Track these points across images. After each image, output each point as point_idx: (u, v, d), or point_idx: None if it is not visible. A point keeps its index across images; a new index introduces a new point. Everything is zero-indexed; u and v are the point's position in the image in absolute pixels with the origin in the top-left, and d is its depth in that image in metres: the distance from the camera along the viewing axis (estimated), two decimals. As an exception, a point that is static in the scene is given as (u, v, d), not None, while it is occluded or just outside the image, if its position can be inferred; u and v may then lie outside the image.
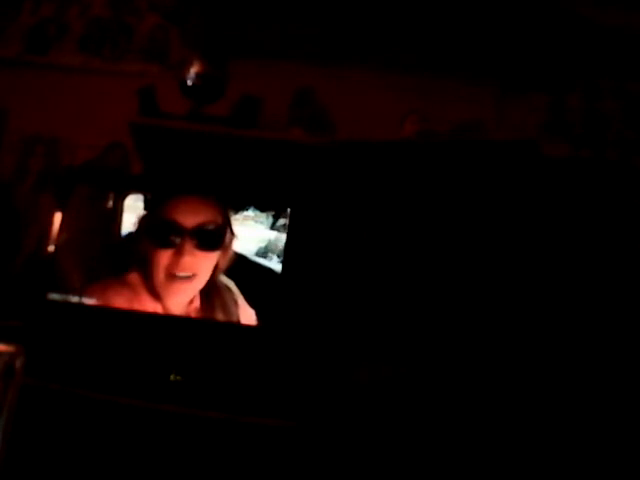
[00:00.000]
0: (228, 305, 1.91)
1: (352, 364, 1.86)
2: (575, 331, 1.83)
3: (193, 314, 1.89)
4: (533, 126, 2.33)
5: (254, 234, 1.95)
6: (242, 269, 1.92)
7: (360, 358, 1.87)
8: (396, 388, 1.79)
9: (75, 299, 1.90)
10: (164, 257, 1.86)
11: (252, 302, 1.90)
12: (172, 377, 1.82)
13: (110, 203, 1.98)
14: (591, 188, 2.00)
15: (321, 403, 1.77)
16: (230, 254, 1.91)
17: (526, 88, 2.36)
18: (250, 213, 1.96)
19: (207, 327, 1.90)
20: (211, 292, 1.91)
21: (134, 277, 1.90)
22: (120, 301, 1.89)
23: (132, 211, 1.94)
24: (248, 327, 1.89)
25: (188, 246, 1.86)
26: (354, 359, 1.87)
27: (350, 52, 2.40)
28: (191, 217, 1.89)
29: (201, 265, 1.88)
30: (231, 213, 1.93)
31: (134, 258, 1.90)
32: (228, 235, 1.91)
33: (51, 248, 1.97)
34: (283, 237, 1.93)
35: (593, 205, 1.99)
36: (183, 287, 1.88)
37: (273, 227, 1.95)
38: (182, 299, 1.89)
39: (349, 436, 1.72)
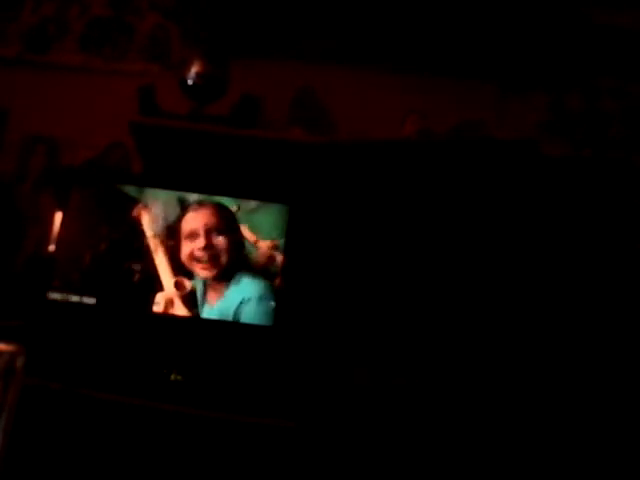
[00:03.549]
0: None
1: (351, 365, 1.86)
2: (575, 330, 1.84)
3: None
4: (533, 126, 2.32)
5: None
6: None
7: (359, 360, 1.87)
8: (394, 390, 1.80)
9: (75, 298, 1.91)
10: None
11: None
12: (173, 377, 1.83)
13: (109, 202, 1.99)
14: (591, 187, 2.00)
15: (320, 404, 1.78)
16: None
17: (526, 88, 2.36)
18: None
19: (207, 327, 1.91)
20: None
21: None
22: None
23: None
24: (248, 327, 1.89)
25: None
26: (353, 360, 1.87)
27: (350, 52, 2.40)
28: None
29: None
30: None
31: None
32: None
33: (51, 247, 1.98)
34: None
35: (593, 204, 1.99)
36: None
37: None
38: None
39: (347, 437, 1.72)
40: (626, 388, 1.78)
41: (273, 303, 1.89)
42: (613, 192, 2.02)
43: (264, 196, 1.98)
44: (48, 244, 2.00)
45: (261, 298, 1.89)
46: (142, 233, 1.94)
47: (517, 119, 2.31)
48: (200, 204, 1.97)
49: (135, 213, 1.95)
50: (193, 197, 1.98)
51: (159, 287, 1.90)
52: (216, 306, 1.90)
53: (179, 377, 1.83)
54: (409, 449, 1.71)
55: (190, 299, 1.90)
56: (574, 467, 1.68)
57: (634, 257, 1.93)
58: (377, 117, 2.27)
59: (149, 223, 1.95)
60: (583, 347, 1.82)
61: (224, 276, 1.91)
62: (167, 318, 1.90)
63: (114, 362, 1.84)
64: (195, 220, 1.95)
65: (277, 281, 1.92)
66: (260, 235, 1.94)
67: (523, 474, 1.69)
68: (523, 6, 2.32)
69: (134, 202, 1.97)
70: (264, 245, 1.93)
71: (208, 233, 1.92)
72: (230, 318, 1.88)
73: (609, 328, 1.84)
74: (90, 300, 1.90)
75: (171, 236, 1.93)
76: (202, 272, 1.91)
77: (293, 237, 1.95)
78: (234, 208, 1.97)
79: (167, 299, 1.89)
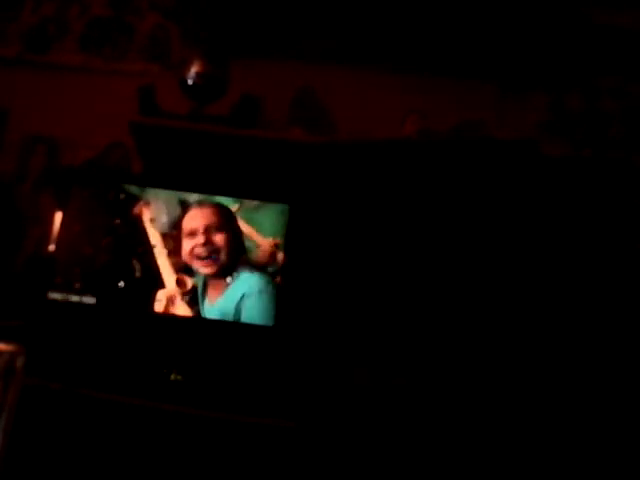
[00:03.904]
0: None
1: (351, 365, 1.86)
2: (575, 330, 1.83)
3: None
4: (533, 126, 2.32)
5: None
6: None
7: (359, 360, 1.87)
8: (394, 390, 1.80)
9: (75, 298, 1.91)
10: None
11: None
12: (172, 376, 1.83)
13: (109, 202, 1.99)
14: (591, 187, 2.00)
15: (320, 404, 1.78)
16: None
17: (526, 88, 2.36)
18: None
19: (208, 326, 1.91)
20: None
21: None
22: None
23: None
24: (248, 327, 1.90)
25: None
26: (353, 360, 1.87)
27: (350, 52, 2.40)
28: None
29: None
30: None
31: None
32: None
33: (52, 247, 1.98)
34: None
35: (593, 204, 1.99)
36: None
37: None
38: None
39: (347, 437, 1.72)
40: (626, 388, 1.78)
41: (274, 300, 1.90)
42: (613, 192, 2.02)
43: (264, 196, 1.99)
44: (48, 244, 2.00)
45: (262, 292, 1.90)
46: (143, 231, 1.94)
47: (517, 119, 2.31)
48: (200, 204, 1.97)
49: (136, 211, 1.96)
50: (193, 197, 1.98)
51: (160, 285, 1.91)
52: (217, 302, 1.90)
53: (179, 377, 1.83)
54: (409, 449, 1.71)
55: (191, 296, 1.90)
56: (574, 467, 1.68)
57: (634, 257, 1.93)
58: (377, 117, 2.27)
59: (150, 221, 1.95)
60: (583, 347, 1.82)
61: (225, 273, 1.91)
62: (167, 317, 1.90)
63: (114, 362, 1.84)
64: (195, 219, 1.95)
65: (278, 279, 1.92)
66: (262, 233, 1.95)
67: (523, 474, 1.68)
68: (523, 6, 2.32)
69: (135, 201, 1.97)
70: (266, 243, 1.94)
71: (207, 231, 1.93)
72: (231, 314, 1.89)
73: (609, 328, 1.84)
74: (90, 300, 1.91)
75: (172, 234, 1.94)
76: (203, 269, 1.91)
77: (293, 236, 1.96)
78: (235, 206, 1.97)
79: (168, 296, 1.90)
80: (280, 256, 1.93)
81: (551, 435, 1.72)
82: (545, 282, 1.88)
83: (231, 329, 1.90)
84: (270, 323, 1.89)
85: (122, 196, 1.98)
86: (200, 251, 1.92)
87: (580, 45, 2.33)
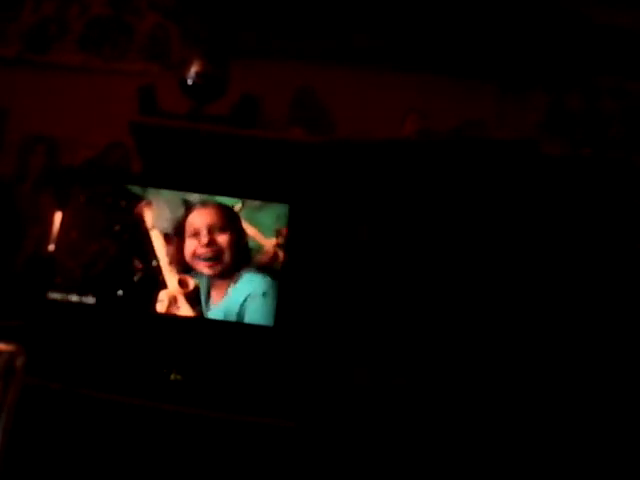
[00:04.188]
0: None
1: (351, 365, 1.86)
2: (575, 330, 1.84)
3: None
4: (533, 125, 2.33)
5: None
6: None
7: (359, 360, 1.87)
8: (394, 390, 1.80)
9: (75, 298, 1.91)
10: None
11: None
12: (172, 376, 1.83)
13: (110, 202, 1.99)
14: (591, 187, 2.00)
15: (320, 404, 1.78)
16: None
17: (526, 88, 2.36)
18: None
19: (207, 326, 1.91)
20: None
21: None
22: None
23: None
24: (248, 327, 1.90)
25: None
26: (353, 360, 1.87)
27: (350, 52, 2.40)
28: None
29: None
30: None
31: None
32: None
33: (51, 247, 1.98)
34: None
35: (593, 204, 1.99)
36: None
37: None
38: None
39: (347, 437, 1.72)
40: (626, 388, 1.78)
41: (276, 300, 1.90)
42: (613, 192, 2.02)
43: (264, 196, 1.99)
44: (48, 244, 2.00)
45: (265, 294, 1.90)
46: (145, 232, 1.94)
47: (517, 119, 2.31)
48: (203, 204, 1.97)
49: (138, 211, 1.96)
50: (195, 197, 1.98)
51: (163, 285, 1.91)
52: (220, 304, 1.90)
53: (179, 377, 1.83)
54: (409, 449, 1.71)
55: (194, 297, 1.90)
56: (574, 467, 1.68)
57: (634, 257, 1.93)
58: (377, 117, 2.27)
59: (152, 221, 1.95)
60: (583, 347, 1.82)
61: (228, 273, 1.91)
62: (168, 318, 1.90)
63: (114, 362, 1.84)
64: (198, 219, 1.95)
65: (281, 279, 1.92)
66: (264, 234, 1.95)
67: (523, 474, 1.69)
68: (523, 6, 2.32)
69: (136, 201, 1.97)
70: (268, 243, 1.94)
71: (211, 231, 1.93)
72: (234, 315, 1.89)
73: (609, 328, 1.84)
74: (90, 300, 1.91)
75: (175, 234, 1.94)
76: (206, 270, 1.91)
77: (294, 236, 1.96)
78: (238, 206, 1.97)
79: (170, 297, 1.90)
80: (282, 256, 1.93)
81: (551, 435, 1.72)
82: (545, 282, 1.89)
83: (232, 329, 1.90)
84: (271, 323, 1.89)
85: (123, 196, 1.98)
86: (203, 252, 1.91)
87: (580, 45, 2.32)
